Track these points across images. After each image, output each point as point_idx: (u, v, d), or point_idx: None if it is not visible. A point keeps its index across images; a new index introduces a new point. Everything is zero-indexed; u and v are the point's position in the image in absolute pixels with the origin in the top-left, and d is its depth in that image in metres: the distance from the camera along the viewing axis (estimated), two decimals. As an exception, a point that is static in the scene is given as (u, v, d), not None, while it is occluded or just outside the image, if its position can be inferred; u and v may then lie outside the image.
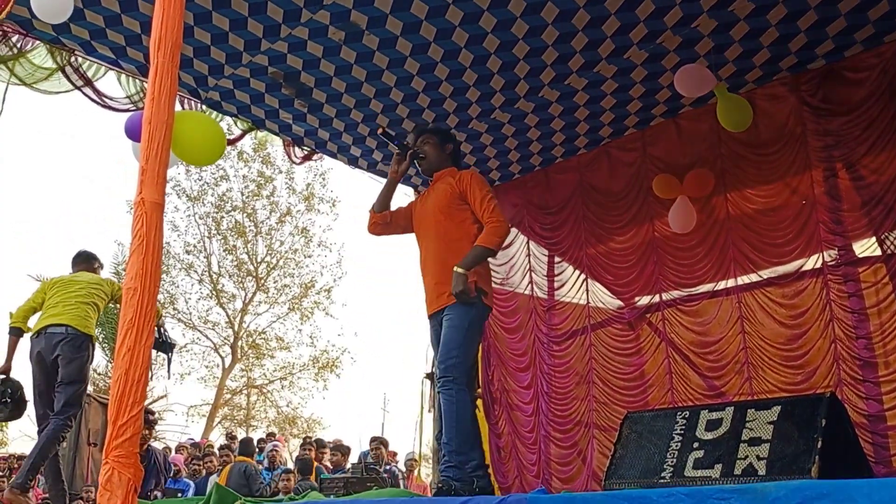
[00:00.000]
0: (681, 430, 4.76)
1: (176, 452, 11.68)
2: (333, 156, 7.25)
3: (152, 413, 7.33)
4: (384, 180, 7.46)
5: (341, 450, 9.45)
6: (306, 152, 7.20)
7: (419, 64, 5.62)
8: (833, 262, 5.44)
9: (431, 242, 3.81)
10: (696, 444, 4.58)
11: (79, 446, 10.05)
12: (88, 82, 5.61)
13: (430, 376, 7.71)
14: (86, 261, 5.75)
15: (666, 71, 5.67)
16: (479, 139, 6.75)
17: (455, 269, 3.55)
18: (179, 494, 8.64)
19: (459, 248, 3.69)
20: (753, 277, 5.86)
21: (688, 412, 4.89)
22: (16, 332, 5.27)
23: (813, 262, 5.54)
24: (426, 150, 3.97)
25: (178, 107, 3.01)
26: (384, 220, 4.06)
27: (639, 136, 6.61)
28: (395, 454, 10.79)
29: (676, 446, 4.69)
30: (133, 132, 4.48)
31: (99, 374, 19.93)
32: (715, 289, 6.05)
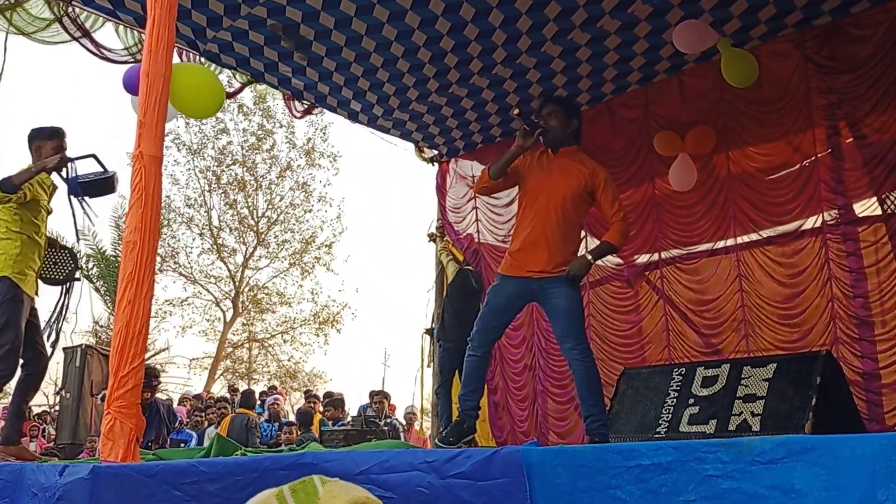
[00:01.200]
0: (677, 386, 4.83)
1: (179, 404, 11.83)
2: (334, 110, 7.20)
3: (157, 377, 7.25)
4: (383, 134, 7.56)
5: (334, 404, 9.55)
6: (307, 106, 7.16)
7: (420, 18, 5.55)
8: (833, 222, 5.44)
9: (552, 217, 3.93)
10: (691, 401, 4.65)
11: (82, 397, 10.18)
12: (86, 33, 5.56)
13: (429, 332, 7.77)
14: None
15: (670, 26, 5.59)
16: (481, 94, 6.70)
17: (586, 256, 3.90)
18: (182, 445, 8.78)
19: (573, 233, 3.99)
20: (753, 236, 5.87)
21: (684, 369, 4.96)
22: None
23: (813, 222, 5.55)
24: (552, 124, 4.03)
25: (176, 59, 2.98)
26: (496, 185, 4.17)
27: (642, 92, 6.56)
28: (394, 407, 10.93)
29: (672, 402, 4.76)
30: (131, 86, 4.45)
31: (101, 327, 20.08)
32: (714, 247, 6.07)
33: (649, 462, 1.64)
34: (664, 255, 6.36)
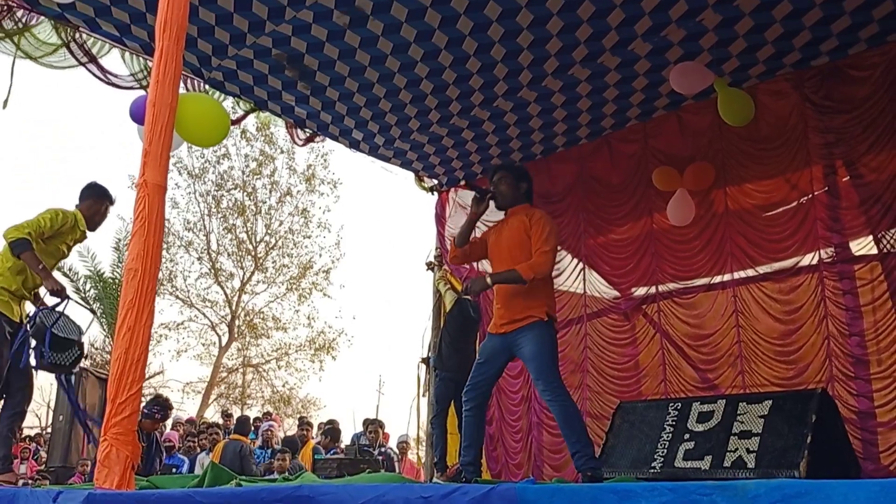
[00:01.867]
0: (672, 420, 4.83)
1: (172, 429, 11.75)
2: (335, 139, 7.26)
3: (171, 408, 7.14)
4: (383, 163, 7.60)
5: (328, 433, 9.49)
6: (309, 134, 7.22)
7: (423, 51, 5.62)
8: (829, 259, 5.47)
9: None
10: (686, 436, 4.65)
11: (75, 420, 10.10)
12: (93, 59, 5.62)
13: (425, 360, 7.75)
14: None
15: (669, 63, 5.67)
16: (482, 126, 6.76)
17: (485, 275, 4.11)
18: (174, 470, 8.72)
19: (532, 283, 4.03)
20: (750, 272, 5.90)
21: (680, 403, 4.96)
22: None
23: (809, 259, 5.58)
24: (502, 188, 4.30)
25: (181, 87, 3.02)
26: (464, 253, 4.47)
27: (640, 127, 6.63)
28: (388, 436, 10.86)
29: (667, 437, 4.76)
30: (138, 115, 4.48)
31: (96, 349, 20.00)
32: (711, 282, 6.10)
33: (645, 503, 1.65)
34: (661, 288, 6.38)
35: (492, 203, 4.34)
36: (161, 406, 6.46)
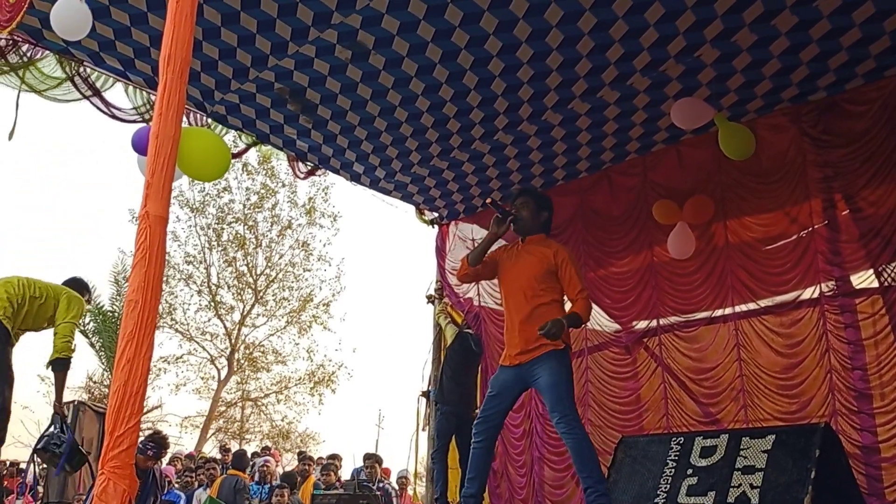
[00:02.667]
0: (675, 455, 4.78)
1: (169, 464, 11.63)
2: (336, 172, 7.30)
3: (167, 447, 7.06)
4: (385, 197, 7.63)
5: (328, 468, 9.40)
6: (310, 167, 7.25)
7: (424, 84, 5.67)
8: (830, 293, 5.46)
9: (522, 302, 4.16)
10: (689, 471, 4.60)
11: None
12: (97, 92, 5.67)
13: (425, 394, 7.71)
14: None
15: (668, 98, 5.72)
16: (482, 160, 6.80)
17: (562, 318, 3.95)
18: (171, 506, 8.61)
19: (547, 312, 4.05)
20: (751, 305, 5.88)
21: (682, 438, 4.91)
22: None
23: (810, 292, 5.57)
24: (524, 214, 4.31)
25: (184, 120, 3.04)
26: (475, 272, 4.45)
27: (640, 161, 6.66)
28: (388, 471, 10.76)
29: (670, 472, 4.71)
30: (140, 146, 4.51)
31: (94, 383, 19.89)
32: (712, 315, 6.08)
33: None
34: (662, 321, 6.36)
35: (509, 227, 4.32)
36: (156, 443, 6.36)
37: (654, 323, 6.41)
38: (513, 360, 4.10)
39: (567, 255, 4.18)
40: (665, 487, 4.64)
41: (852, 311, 5.38)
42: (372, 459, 9.67)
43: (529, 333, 4.02)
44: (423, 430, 7.75)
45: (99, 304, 18.43)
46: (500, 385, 4.15)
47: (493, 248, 4.36)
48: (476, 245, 4.46)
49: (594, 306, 6.69)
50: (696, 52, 5.21)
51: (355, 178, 7.36)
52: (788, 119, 5.82)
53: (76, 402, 10.79)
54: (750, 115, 5.93)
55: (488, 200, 4.36)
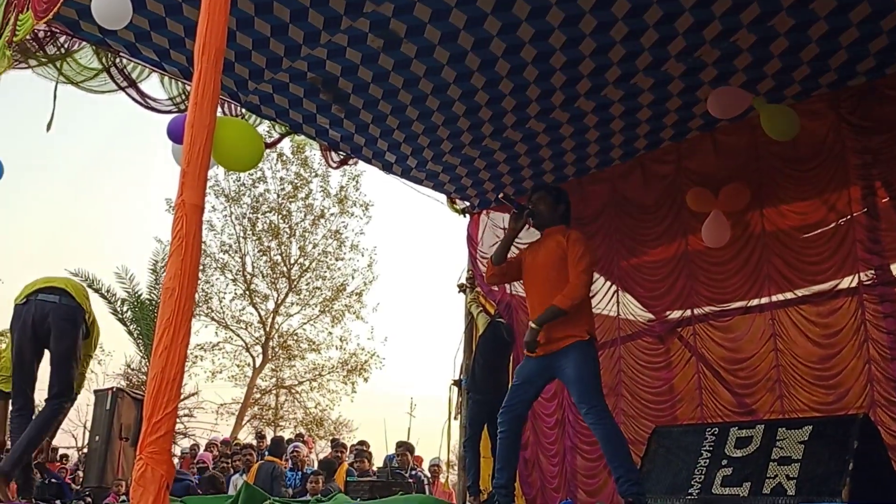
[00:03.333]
0: (710, 446, 4.74)
1: (206, 450, 11.81)
2: (368, 161, 7.32)
3: None
4: (416, 186, 7.64)
5: (362, 456, 9.49)
6: (343, 156, 7.28)
7: (456, 73, 5.65)
8: (869, 282, 5.36)
9: (540, 294, 4.17)
10: (724, 462, 4.57)
11: (111, 440, 10.20)
12: (132, 83, 5.74)
13: (457, 383, 7.72)
14: None
15: (703, 84, 5.64)
16: (514, 148, 6.77)
17: (531, 324, 4.05)
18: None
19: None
20: (787, 295, 5.79)
21: (717, 429, 4.88)
22: (1, 396, 4.66)
23: (849, 282, 5.47)
24: (540, 208, 4.36)
25: (218, 111, 3.06)
26: (501, 272, 4.48)
27: (674, 148, 6.58)
28: (420, 459, 10.81)
29: (705, 462, 4.68)
30: (175, 135, 4.56)
31: (132, 370, 20.23)
32: (748, 305, 6.00)
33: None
34: (697, 311, 6.29)
35: (528, 222, 4.38)
36: None
37: (687, 312, 6.34)
38: (541, 351, 4.11)
39: (578, 237, 4.19)
40: (699, 478, 4.61)
41: (892, 300, 5.27)
42: (403, 447, 9.74)
43: (553, 324, 4.04)
44: (455, 418, 7.77)
45: (137, 293, 18.73)
46: (525, 375, 4.18)
47: (515, 251, 4.46)
48: (497, 246, 4.52)
49: (627, 296, 6.73)
50: (733, 37, 5.12)
51: (387, 167, 7.37)
52: (826, 105, 5.71)
53: (115, 389, 10.99)
54: (787, 102, 5.82)
55: (501, 196, 4.44)
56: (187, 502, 4.10)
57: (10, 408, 4.54)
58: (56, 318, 4.46)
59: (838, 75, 5.49)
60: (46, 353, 4.61)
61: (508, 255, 4.49)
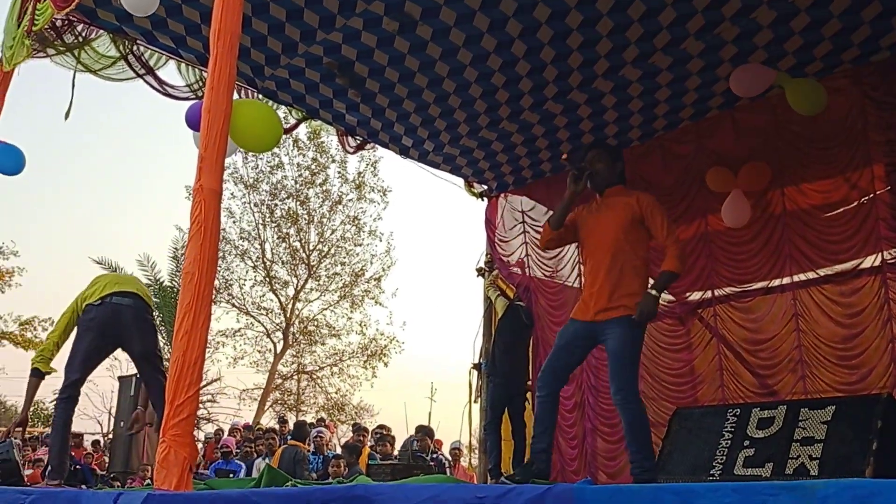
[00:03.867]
0: (731, 427, 4.72)
1: (229, 435, 11.94)
2: (385, 145, 7.31)
3: None
4: (434, 170, 7.63)
5: (385, 440, 9.55)
6: (360, 141, 7.28)
7: (472, 54, 5.62)
8: (893, 261, 5.29)
9: (606, 257, 4.00)
10: (746, 442, 4.55)
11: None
12: (150, 71, 5.76)
13: (476, 366, 7.74)
14: None
15: (723, 62, 5.57)
16: (531, 130, 6.73)
17: (650, 291, 3.86)
18: (231, 475, 8.85)
19: (634, 265, 3.97)
20: (809, 274, 5.73)
21: (739, 409, 4.85)
22: (36, 374, 4.76)
23: (871, 261, 5.40)
24: (599, 167, 4.17)
25: (235, 96, 3.07)
26: (559, 236, 4.33)
27: (693, 128, 6.51)
28: (440, 442, 10.86)
29: (726, 444, 4.66)
30: (193, 121, 4.58)
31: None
32: (769, 285, 5.94)
33: None
34: (717, 292, 6.25)
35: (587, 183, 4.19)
36: None
37: (708, 293, 6.30)
38: (590, 316, 3.97)
39: (653, 200, 4.07)
40: (721, 459, 4.59)
41: (915, 279, 5.21)
42: (423, 432, 9.78)
43: (614, 290, 3.91)
44: (475, 402, 7.78)
45: (159, 279, 18.90)
46: (569, 337, 4.05)
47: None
48: (556, 209, 4.30)
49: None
50: (752, 14, 5.05)
51: (404, 151, 7.36)
52: (849, 81, 5.61)
53: (139, 376, 11.10)
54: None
55: (564, 157, 4.27)
56: (210, 484, 4.14)
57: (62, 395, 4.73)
58: (135, 320, 4.78)
59: (861, 50, 5.39)
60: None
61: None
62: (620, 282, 3.91)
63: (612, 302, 3.90)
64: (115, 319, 4.71)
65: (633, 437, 3.77)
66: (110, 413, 22.25)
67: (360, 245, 22.64)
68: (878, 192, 5.45)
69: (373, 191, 22.41)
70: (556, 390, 4.08)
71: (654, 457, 3.93)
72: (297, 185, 22.12)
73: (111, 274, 4.98)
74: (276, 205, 22.20)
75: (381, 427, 10.59)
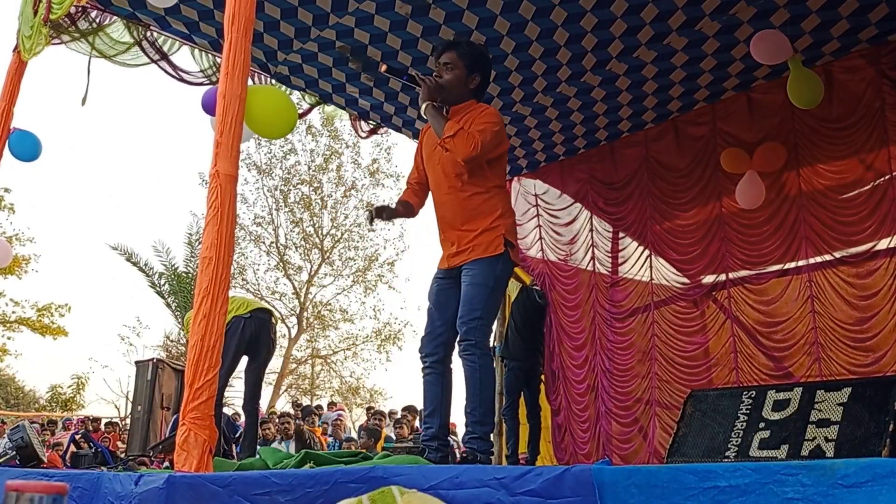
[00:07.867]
0: (746, 409, 4.72)
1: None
2: (398, 130, 7.30)
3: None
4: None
5: (402, 422, 9.62)
6: (372, 126, 7.27)
7: (485, 37, 5.59)
8: (909, 242, 5.26)
9: (447, 193, 3.40)
10: (762, 425, 4.54)
11: (153, 409, 10.44)
12: (164, 56, 5.77)
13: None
14: None
15: (739, 43, 5.52)
16: (545, 113, 6.71)
17: (425, 103, 3.28)
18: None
19: (483, 201, 3.32)
20: (825, 256, 5.71)
21: (754, 392, 4.84)
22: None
23: (887, 242, 5.37)
24: (447, 78, 3.41)
25: (248, 81, 3.07)
26: (413, 180, 3.68)
27: (708, 109, 6.47)
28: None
29: (742, 426, 4.65)
30: (209, 106, 4.60)
31: (172, 342, 20.59)
32: (784, 267, 5.92)
33: (726, 484, 1.60)
34: (732, 275, 6.23)
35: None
36: None
37: (722, 276, 6.28)
38: (448, 262, 3.41)
39: (484, 112, 3.33)
40: (736, 441, 4.59)
41: (932, 260, 5.17)
42: (407, 410, 9.85)
43: (465, 229, 3.32)
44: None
45: (174, 265, 19.01)
46: (436, 290, 3.45)
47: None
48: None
49: (660, 260, 6.67)
50: (768, -6, 5.00)
51: (416, 135, 7.34)
52: (866, 61, 5.56)
53: (155, 360, 11.21)
54: (825, 59, 5.69)
55: (383, 68, 3.48)
56: (263, 453, 4.09)
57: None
58: (273, 335, 5.65)
59: (879, 29, 5.34)
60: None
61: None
62: (472, 217, 3.33)
63: (463, 241, 3.36)
64: (256, 332, 5.45)
65: (470, 395, 3.19)
66: (127, 398, 22.46)
67: (374, 230, 22.71)
68: (894, 174, 5.40)
69: (386, 176, 22.44)
70: (443, 359, 3.41)
71: (493, 425, 3.35)
72: (311, 171, 22.17)
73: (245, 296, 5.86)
74: (289, 190, 22.28)
75: (406, 409, 10.65)
